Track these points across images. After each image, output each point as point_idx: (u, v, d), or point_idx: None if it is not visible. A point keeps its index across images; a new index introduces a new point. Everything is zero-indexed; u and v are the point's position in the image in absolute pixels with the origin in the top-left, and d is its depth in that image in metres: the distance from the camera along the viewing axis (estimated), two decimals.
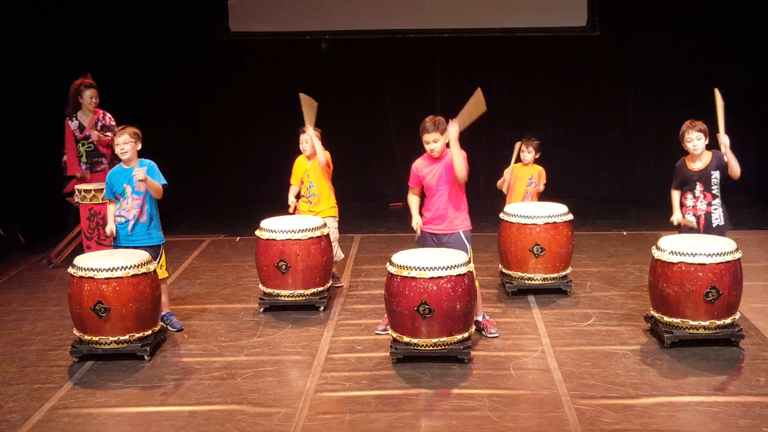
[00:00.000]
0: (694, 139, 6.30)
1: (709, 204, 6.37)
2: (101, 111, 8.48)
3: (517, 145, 7.68)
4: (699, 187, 6.37)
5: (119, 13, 10.62)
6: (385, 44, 10.98)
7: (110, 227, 6.39)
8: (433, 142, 6.02)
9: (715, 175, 6.33)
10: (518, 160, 7.71)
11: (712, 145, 6.40)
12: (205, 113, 11.17)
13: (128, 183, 6.34)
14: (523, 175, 7.67)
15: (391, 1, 10.84)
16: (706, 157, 6.37)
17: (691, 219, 6.37)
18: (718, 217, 6.37)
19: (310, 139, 7.18)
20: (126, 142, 6.32)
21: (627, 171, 11.27)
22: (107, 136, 8.25)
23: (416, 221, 6.16)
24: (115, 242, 6.44)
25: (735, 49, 10.75)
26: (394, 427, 4.95)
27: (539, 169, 7.71)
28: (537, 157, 7.71)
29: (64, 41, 9.99)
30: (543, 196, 7.80)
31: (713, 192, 6.36)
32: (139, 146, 6.41)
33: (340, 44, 10.97)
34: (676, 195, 6.50)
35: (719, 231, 6.34)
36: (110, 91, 9.03)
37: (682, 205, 6.47)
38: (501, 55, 11.06)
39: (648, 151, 11.11)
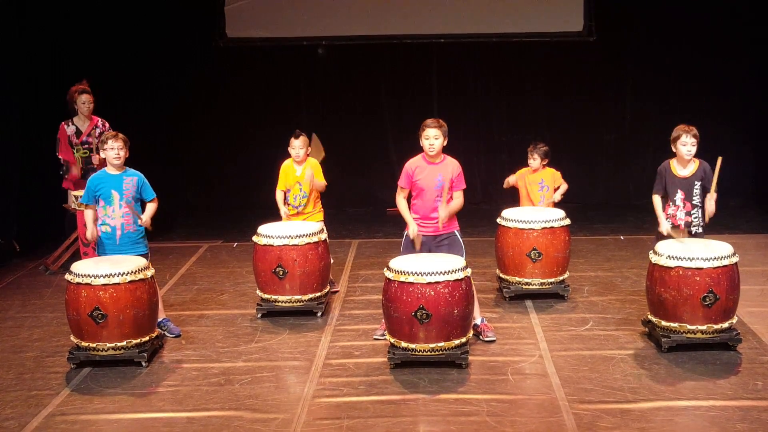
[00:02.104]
0: (689, 144, 6.30)
1: (689, 213, 6.38)
2: (98, 118, 8.47)
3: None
4: (680, 195, 6.37)
5: (116, 20, 10.61)
6: (382, 50, 10.99)
7: (91, 230, 6.29)
8: (434, 138, 6.08)
9: (698, 185, 6.35)
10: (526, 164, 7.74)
11: (703, 151, 6.42)
12: (201, 119, 11.16)
13: (116, 189, 6.30)
14: (533, 180, 7.66)
15: (388, 7, 10.85)
16: (693, 165, 6.37)
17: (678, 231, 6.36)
18: (697, 225, 6.39)
19: (304, 145, 7.20)
20: (121, 149, 6.31)
21: (624, 175, 11.28)
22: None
23: (413, 229, 6.15)
24: (99, 249, 6.38)
25: (731, 54, 10.77)
26: None
27: (551, 172, 7.68)
28: (545, 163, 7.68)
29: (61, 49, 9.99)
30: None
31: (693, 201, 6.37)
32: (127, 154, 6.41)
33: (337, 50, 10.99)
34: (659, 201, 6.45)
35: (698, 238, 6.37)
36: (107, 97, 9.02)
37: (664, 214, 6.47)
38: (497, 61, 11.07)
39: (645, 156, 11.11)
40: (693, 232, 6.38)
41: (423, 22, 10.83)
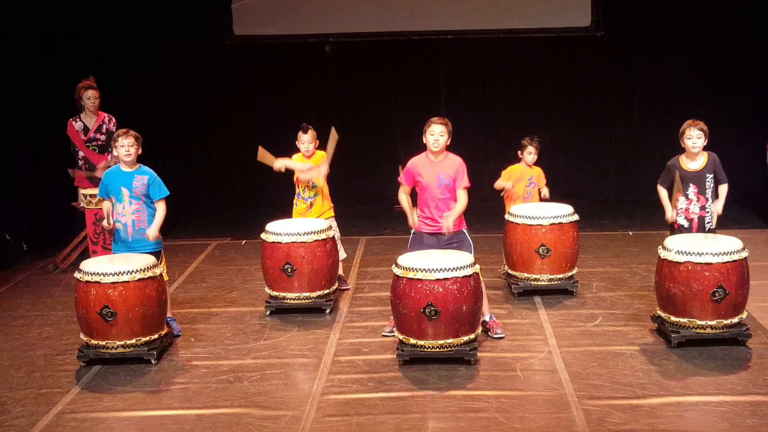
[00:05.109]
0: (694, 137, 6.33)
1: (702, 207, 6.38)
2: (105, 114, 8.47)
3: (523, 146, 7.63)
4: (693, 189, 6.37)
5: (123, 18, 10.64)
6: (389, 46, 10.99)
7: (108, 221, 6.30)
8: (439, 134, 6.10)
9: (710, 178, 6.36)
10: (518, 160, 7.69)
11: (710, 147, 6.43)
12: (209, 117, 11.18)
13: (126, 187, 6.30)
14: (524, 175, 7.62)
15: (395, 3, 10.84)
16: (703, 158, 6.39)
17: (682, 222, 6.40)
18: (710, 220, 6.40)
19: (313, 140, 7.22)
20: (132, 145, 6.32)
21: (632, 171, 11.24)
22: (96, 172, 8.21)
23: (413, 221, 6.19)
24: (114, 245, 6.40)
25: (740, 48, 10.72)
26: (401, 429, 4.94)
27: (538, 171, 7.65)
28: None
29: (70, 46, 10.01)
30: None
31: (706, 195, 6.37)
32: (140, 151, 6.41)
33: (344, 47, 10.98)
34: (664, 192, 6.52)
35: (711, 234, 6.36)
36: (115, 95, 9.04)
37: (672, 207, 6.48)
38: (505, 56, 11.06)
39: (653, 151, 11.07)
40: (707, 228, 6.37)
41: (430, 18, 10.81)
